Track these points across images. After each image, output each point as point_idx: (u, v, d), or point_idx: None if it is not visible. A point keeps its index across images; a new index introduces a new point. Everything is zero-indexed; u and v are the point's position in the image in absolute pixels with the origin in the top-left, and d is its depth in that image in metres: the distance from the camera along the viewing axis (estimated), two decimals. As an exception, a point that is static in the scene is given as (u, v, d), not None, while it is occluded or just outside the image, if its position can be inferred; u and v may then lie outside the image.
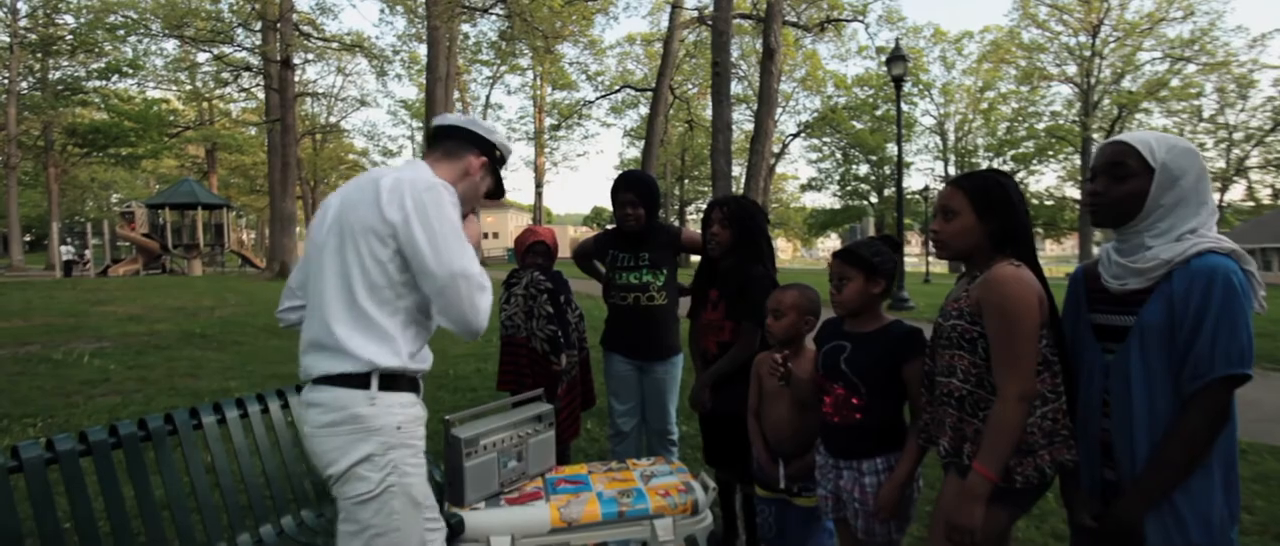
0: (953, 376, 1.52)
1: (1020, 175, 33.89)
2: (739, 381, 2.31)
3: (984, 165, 35.36)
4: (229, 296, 12.13)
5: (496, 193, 1.77)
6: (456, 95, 32.86)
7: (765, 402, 2.12)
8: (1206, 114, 30.98)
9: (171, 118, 30.46)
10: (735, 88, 31.21)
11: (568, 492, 2.10)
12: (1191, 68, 29.82)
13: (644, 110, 32.90)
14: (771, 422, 2.09)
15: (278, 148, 18.62)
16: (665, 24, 23.72)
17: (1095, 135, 30.50)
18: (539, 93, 37.45)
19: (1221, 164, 31.21)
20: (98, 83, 27.88)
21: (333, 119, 37.59)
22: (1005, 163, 33.79)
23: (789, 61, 31.44)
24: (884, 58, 15.21)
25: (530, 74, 36.72)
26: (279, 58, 17.63)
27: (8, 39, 26.29)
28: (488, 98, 36.89)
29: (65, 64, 27.66)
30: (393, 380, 1.47)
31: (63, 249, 22.90)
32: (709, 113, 19.55)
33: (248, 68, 23.25)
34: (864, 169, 37.95)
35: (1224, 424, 1.31)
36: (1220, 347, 1.27)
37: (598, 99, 34.44)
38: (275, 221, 19.10)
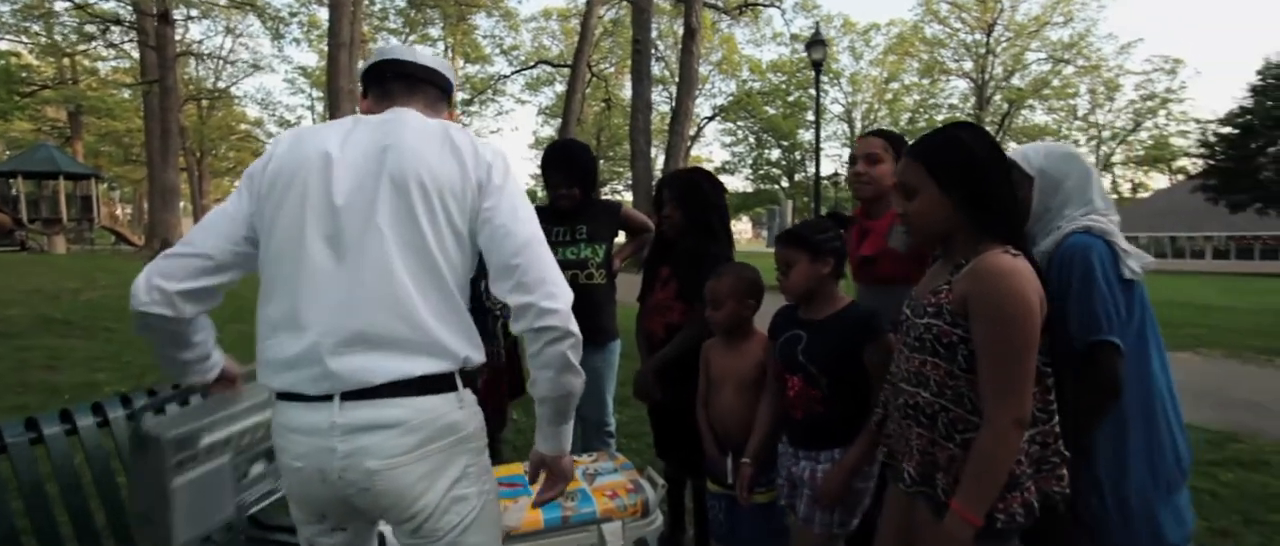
0: (923, 388, 1.26)
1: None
2: (691, 368, 2.15)
3: (887, 153, 37.03)
4: (99, 277, 10.86)
5: None
6: (361, 63, 30.96)
7: (712, 390, 1.97)
8: (1080, 113, 33.78)
9: (24, 74, 27.03)
10: (653, 68, 31.15)
11: (503, 497, 1.87)
12: (1069, 69, 32.43)
13: (560, 88, 32.21)
14: (719, 411, 1.95)
15: (155, 112, 16.92)
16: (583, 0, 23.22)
17: (986, 127, 32.60)
18: (451, 64, 35.94)
19: (1091, 159, 34.29)
20: (-68, 32, 24.36)
21: (222, 84, 34.63)
22: (906, 151, 35.56)
23: (706, 44, 31.61)
24: (802, 43, 15.52)
25: (441, 45, 35.12)
26: (155, 11, 15.91)
27: None
28: (395, 68, 35.00)
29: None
30: (466, 376, 1.21)
31: (-110, 221, 19.91)
32: (627, 92, 19.30)
33: (117, 21, 20.90)
34: (776, 153, 38.91)
35: (1104, 393, 1.34)
36: (1074, 320, 1.34)
37: (513, 73, 33.45)
38: (155, 194, 17.43)
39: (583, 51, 22.35)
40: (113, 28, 22.47)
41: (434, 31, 33.28)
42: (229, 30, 31.27)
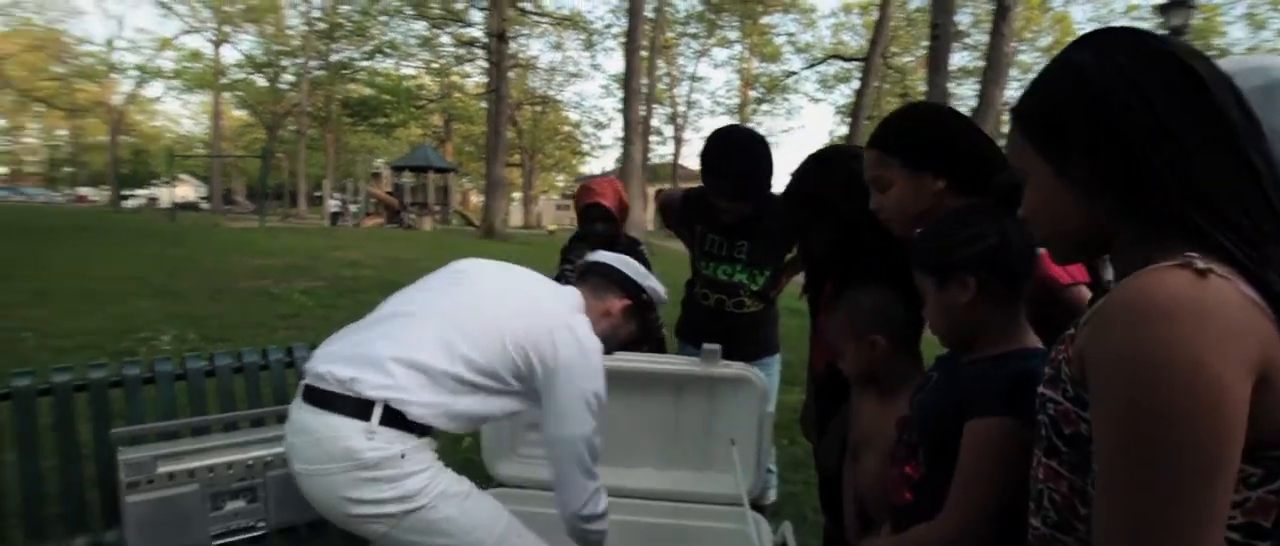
0: (1038, 509, 0.75)
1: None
2: None
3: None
4: (438, 250, 13.39)
5: (644, 336, 1.72)
6: (662, 68, 33.31)
7: (857, 451, 1.52)
8: None
9: (420, 91, 34.79)
10: (962, 58, 27.90)
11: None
12: None
13: (857, 85, 30.75)
14: (863, 479, 1.48)
15: (493, 117, 20.24)
16: (884, -12, 21.68)
17: None
18: (745, 65, 36.67)
19: None
20: (366, 62, 32.80)
21: (551, 92, 40.22)
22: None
23: (1032, 27, 27.29)
24: (1159, 5, 12.44)
25: (737, 47, 36.05)
26: (495, 32, 19.00)
27: (306, 28, 31.92)
28: (694, 72, 36.97)
29: (344, 47, 32.81)
30: (393, 414, 1.31)
31: (331, 202, 27.16)
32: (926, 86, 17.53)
33: (474, 43, 25.63)
34: (1124, 153, 31.87)
35: None
36: None
37: (804, 70, 32.85)
38: (489, 186, 20.90)
39: (878, 43, 20.91)
40: (475, 48, 27.71)
41: (732, 34, 34.32)
42: (557, 46, 36.13)
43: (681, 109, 37.32)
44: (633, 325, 1.65)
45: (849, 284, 1.63)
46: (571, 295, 1.56)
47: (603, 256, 1.70)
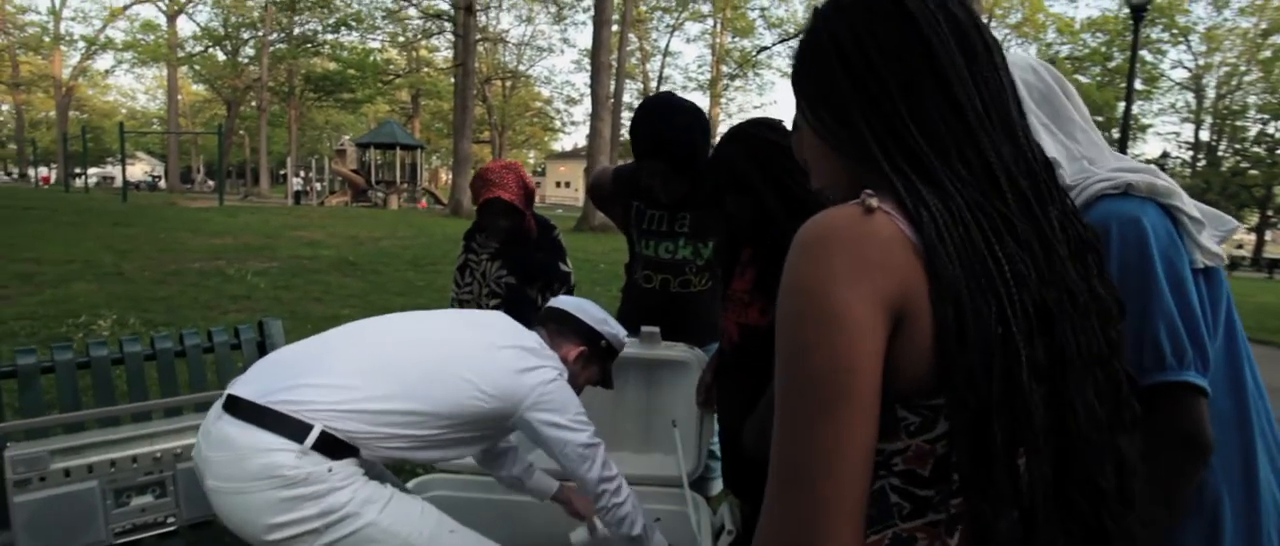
0: None
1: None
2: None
3: (1254, 129, 28.68)
4: (402, 229, 13.14)
5: (603, 381, 1.70)
6: (634, 42, 32.87)
7: None
8: None
9: (388, 66, 33.91)
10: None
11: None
12: None
13: (826, 59, 30.70)
14: None
15: (460, 92, 19.80)
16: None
17: None
18: (718, 39, 36.38)
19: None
20: (330, 36, 31.80)
21: (521, 67, 39.50)
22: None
23: (1001, 4, 27.46)
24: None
25: (710, 20, 35.73)
26: (462, 4, 18.53)
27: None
28: (667, 46, 36.61)
29: (306, 20, 31.76)
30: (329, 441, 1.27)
31: (295, 180, 26.47)
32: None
33: (440, 15, 24.97)
34: (1087, 130, 32.39)
35: (1182, 453, 0.85)
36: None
37: (776, 44, 32.71)
38: (456, 163, 20.50)
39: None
40: (445, 22, 27.02)
41: (705, 8, 33.98)
42: (527, 19, 35.43)
43: (653, 84, 36.99)
44: (592, 370, 1.65)
45: (765, 251, 1.59)
46: (531, 338, 1.54)
47: (562, 303, 1.67)
